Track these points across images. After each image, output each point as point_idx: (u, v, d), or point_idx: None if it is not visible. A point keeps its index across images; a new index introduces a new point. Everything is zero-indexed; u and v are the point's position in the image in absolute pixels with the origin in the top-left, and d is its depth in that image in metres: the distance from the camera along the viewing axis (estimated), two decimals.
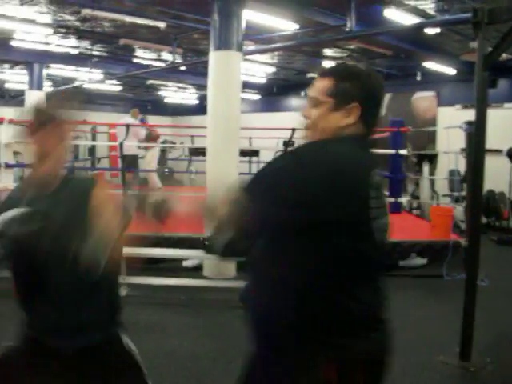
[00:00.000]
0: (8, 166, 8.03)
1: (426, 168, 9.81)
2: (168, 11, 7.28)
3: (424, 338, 4.56)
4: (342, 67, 1.62)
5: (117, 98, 18.36)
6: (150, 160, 10.97)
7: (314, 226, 1.42)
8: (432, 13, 7.07)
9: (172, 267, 6.34)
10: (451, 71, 10.94)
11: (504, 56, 9.15)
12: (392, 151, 8.07)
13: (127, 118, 10.16)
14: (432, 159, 10.09)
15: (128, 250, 5.36)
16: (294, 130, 8.75)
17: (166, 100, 17.75)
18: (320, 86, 1.58)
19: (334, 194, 1.42)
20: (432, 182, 10.18)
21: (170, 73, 11.95)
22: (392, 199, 8.26)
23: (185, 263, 6.41)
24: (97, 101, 18.08)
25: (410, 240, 6.78)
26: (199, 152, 13.71)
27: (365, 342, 1.50)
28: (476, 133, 3.98)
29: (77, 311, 1.71)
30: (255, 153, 13.21)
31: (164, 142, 13.24)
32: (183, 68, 11.41)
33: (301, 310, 1.47)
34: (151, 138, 10.57)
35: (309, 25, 7.25)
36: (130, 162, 9.84)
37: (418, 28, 6.73)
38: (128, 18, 7.34)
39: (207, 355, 4.03)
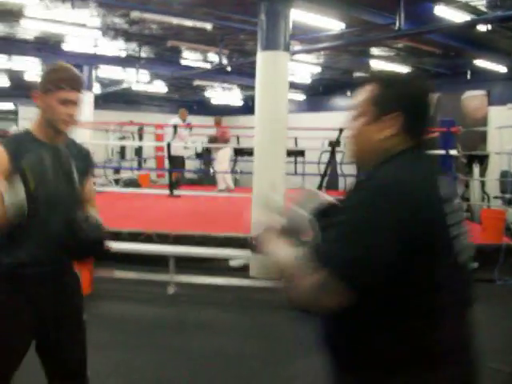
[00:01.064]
0: None
1: (476, 169, 9.58)
2: (215, 12, 7.33)
3: (476, 343, 4.43)
4: (385, 74, 1.57)
5: (163, 100, 18.63)
6: (220, 160, 11.09)
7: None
8: (483, 9, 6.89)
9: (218, 267, 6.38)
10: (502, 69, 10.64)
11: None
12: (442, 152, 7.90)
13: (176, 119, 10.28)
14: (483, 160, 9.84)
15: (175, 249, 5.51)
16: (340, 130, 8.64)
17: (211, 101, 17.88)
18: (363, 93, 1.48)
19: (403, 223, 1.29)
20: (482, 184, 9.91)
21: (216, 74, 12.02)
22: None
23: (231, 263, 6.43)
24: (144, 102, 18.41)
25: None
26: (244, 152, 13.80)
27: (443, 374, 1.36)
28: None
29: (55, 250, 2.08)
30: (301, 153, 13.18)
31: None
32: (229, 69, 11.45)
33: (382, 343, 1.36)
34: (220, 139, 10.62)
35: (355, 24, 7.17)
36: (176, 163, 10.02)
37: (470, 25, 6.55)
38: (175, 20, 7.43)
39: (255, 355, 4.03)
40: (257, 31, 7.90)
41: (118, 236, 6.21)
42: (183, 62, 11.65)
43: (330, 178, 13.91)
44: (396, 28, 6.12)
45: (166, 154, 9.34)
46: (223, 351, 4.08)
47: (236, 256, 6.25)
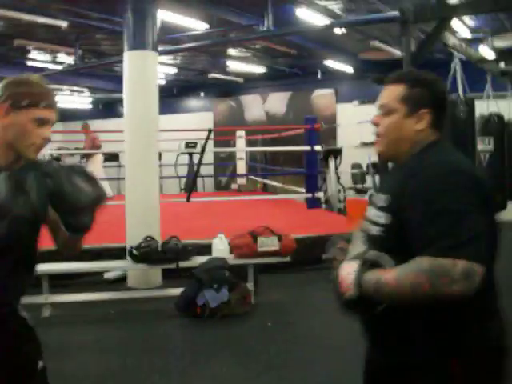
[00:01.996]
0: None
1: (331, 163, 10.09)
2: (71, 9, 6.90)
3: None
4: (414, 74, 1.69)
5: None
6: (93, 168, 10.58)
7: None
8: (339, 12, 7.26)
9: (93, 281, 5.99)
10: (349, 69, 11.35)
11: (399, 54, 9.64)
12: (307, 148, 8.22)
13: None
14: (337, 154, 10.40)
15: (48, 267, 5.05)
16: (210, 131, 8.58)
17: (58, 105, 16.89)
18: (392, 92, 1.61)
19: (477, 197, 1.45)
20: (338, 177, 10.49)
21: (67, 76, 11.36)
22: (310, 195, 8.43)
23: (106, 275, 6.09)
24: None
25: (330, 233, 6.89)
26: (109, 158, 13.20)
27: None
28: None
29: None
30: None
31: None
32: (83, 71, 10.89)
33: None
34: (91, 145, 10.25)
35: (219, 24, 7.17)
36: None
37: (328, 28, 6.87)
38: (27, 17, 6.86)
39: (158, 370, 3.83)
40: (116, 30, 7.63)
41: None
42: (30, 64, 10.85)
43: (187, 180, 13.87)
44: (265, 29, 6.21)
45: None
46: (122, 372, 3.83)
47: (113, 268, 5.94)
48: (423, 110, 1.58)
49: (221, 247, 5.37)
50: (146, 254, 5.09)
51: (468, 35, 6.75)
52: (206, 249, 5.49)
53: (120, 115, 15.54)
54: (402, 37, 3.89)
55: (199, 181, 12.35)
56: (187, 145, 14.05)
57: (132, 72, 5.85)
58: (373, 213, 1.60)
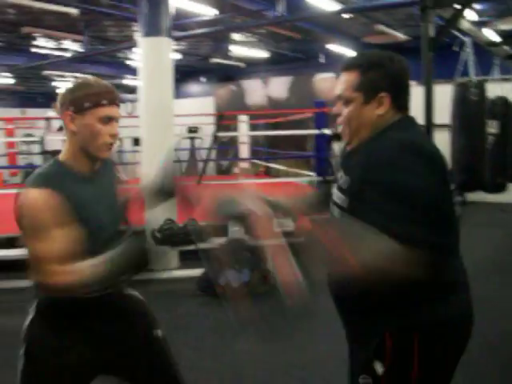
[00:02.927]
0: None
1: (336, 146, 10.20)
2: None
3: None
4: (364, 58, 1.64)
5: (5, 92, 17.18)
6: None
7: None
8: None
9: None
10: (352, 53, 11.41)
11: (403, 37, 9.74)
12: (316, 131, 8.32)
13: (50, 113, 9.82)
14: (340, 138, 10.50)
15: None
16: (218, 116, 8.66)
17: (59, 91, 16.83)
18: (347, 81, 1.59)
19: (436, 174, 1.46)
20: None
21: (71, 63, 11.39)
22: (320, 178, 8.54)
23: None
24: None
25: None
26: None
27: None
28: (426, 110, 4.23)
29: None
30: None
31: None
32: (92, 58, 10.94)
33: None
34: None
35: (228, 10, 7.24)
36: None
37: (338, 13, 6.95)
38: (38, 4, 6.91)
39: (190, 346, 3.98)
40: (125, 17, 7.71)
41: None
42: (34, 50, 10.86)
43: (189, 164, 13.97)
44: (277, 14, 6.29)
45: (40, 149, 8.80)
46: None
47: None
48: (381, 93, 1.56)
49: (236, 228, 5.48)
50: (169, 235, 5.22)
51: (475, 18, 6.85)
52: (220, 230, 5.62)
53: (121, 101, 15.67)
54: (422, 22, 3.99)
55: (200, 165, 12.45)
56: (189, 130, 14.15)
57: (147, 58, 5.92)
58: (336, 194, 1.61)
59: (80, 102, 1.74)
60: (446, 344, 1.50)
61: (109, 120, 1.76)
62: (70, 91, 1.79)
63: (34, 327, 1.82)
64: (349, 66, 1.62)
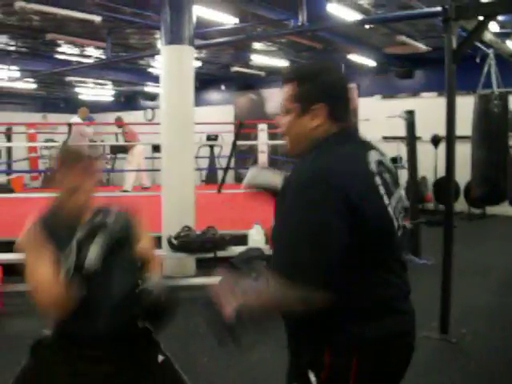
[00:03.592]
0: None
1: None
2: (106, 4, 7.04)
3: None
4: (302, 69, 1.70)
5: (27, 97, 17.41)
6: (130, 159, 10.81)
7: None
8: (369, 7, 7.34)
9: None
10: (371, 63, 11.40)
11: (425, 48, 9.70)
12: None
13: (75, 118, 9.99)
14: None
15: None
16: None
17: (80, 97, 17.06)
18: (286, 92, 1.62)
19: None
20: None
21: (92, 69, 11.54)
22: None
23: None
24: (2, 100, 17.06)
25: None
26: (121, 150, 13.42)
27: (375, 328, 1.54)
28: (447, 121, 4.19)
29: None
30: None
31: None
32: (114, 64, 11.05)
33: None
34: (131, 137, 10.49)
35: (249, 19, 7.27)
36: None
37: (360, 24, 6.94)
38: (63, 12, 7.01)
39: (205, 354, 3.98)
40: (147, 25, 7.79)
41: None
42: (58, 57, 11.03)
43: (208, 172, 14.03)
44: (299, 24, 6.30)
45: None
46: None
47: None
48: (316, 105, 1.56)
49: (257, 237, 5.48)
50: (185, 243, 5.25)
51: (497, 29, 6.81)
52: (240, 239, 5.62)
53: (141, 108, 15.65)
54: (445, 34, 3.96)
55: (219, 173, 12.50)
56: (208, 137, 14.23)
57: (169, 66, 5.98)
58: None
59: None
60: (377, 362, 1.53)
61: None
62: (57, 155, 2.14)
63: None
64: (287, 77, 1.64)
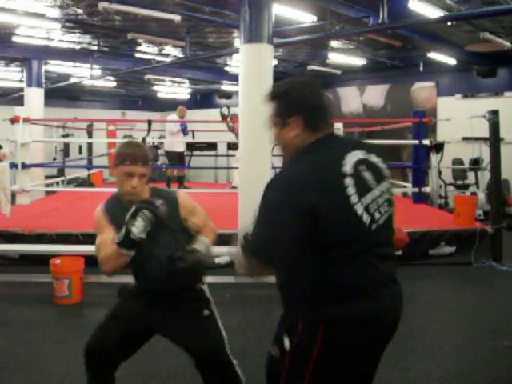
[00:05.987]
0: (25, 166, 7.86)
1: (433, 157, 9.88)
2: (185, 3, 7.16)
3: (478, 323, 4.63)
4: (276, 88, 1.95)
5: (107, 95, 18.05)
6: (238, 157, 11.03)
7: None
8: (451, 3, 7.08)
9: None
10: (452, 61, 11.03)
11: (510, 46, 9.26)
12: (415, 142, 8.11)
13: (173, 116, 10.31)
14: (439, 149, 10.17)
15: None
16: None
17: (157, 95, 17.50)
18: (271, 108, 1.92)
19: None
20: (439, 172, 10.26)
21: (170, 67, 11.79)
22: (416, 189, 8.32)
23: (218, 260, 6.33)
24: (85, 98, 17.77)
25: (439, 229, 6.83)
26: (197, 147, 13.65)
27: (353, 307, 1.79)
28: None
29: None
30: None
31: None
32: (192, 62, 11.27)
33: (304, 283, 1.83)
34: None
35: (326, 17, 7.18)
36: (171, 159, 10.46)
37: (443, 21, 6.71)
38: (144, 12, 7.20)
39: None
40: (225, 24, 7.86)
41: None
42: (138, 56, 11.34)
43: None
44: (379, 21, 6.18)
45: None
46: (236, 348, 4.02)
47: (223, 253, 6.16)
48: (292, 117, 1.84)
49: None
50: None
51: None
52: None
53: (216, 106, 15.88)
54: None
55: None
56: None
57: (248, 64, 6.00)
58: None
59: (116, 158, 2.49)
60: (340, 338, 1.78)
61: (129, 175, 2.44)
62: (117, 147, 2.60)
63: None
64: (270, 95, 1.94)
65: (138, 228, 2.33)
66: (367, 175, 1.82)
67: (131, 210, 2.36)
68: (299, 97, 1.85)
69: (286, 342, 1.83)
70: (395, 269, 1.96)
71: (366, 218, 1.77)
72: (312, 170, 1.76)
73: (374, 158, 1.89)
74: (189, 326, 2.59)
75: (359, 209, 1.75)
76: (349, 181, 1.75)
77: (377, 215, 1.81)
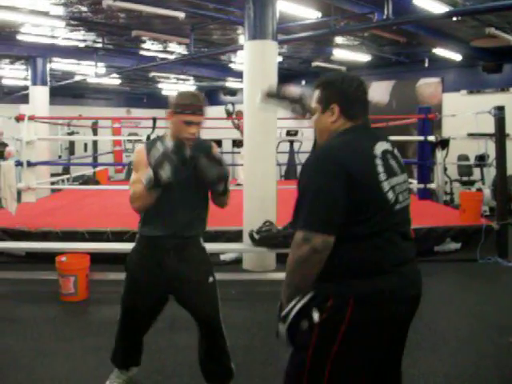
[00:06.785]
0: (30, 164, 7.89)
1: (439, 154, 9.85)
2: (189, 0, 7.15)
3: (483, 320, 4.62)
4: (323, 79, 2.12)
5: (112, 92, 18.06)
6: (243, 153, 10.96)
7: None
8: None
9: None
10: (457, 57, 10.98)
11: (511, 41, 9.21)
12: (421, 138, 8.08)
13: None
14: (445, 145, 10.13)
15: None
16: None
17: (162, 92, 17.50)
18: (314, 96, 2.11)
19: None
20: (445, 168, 10.23)
21: (175, 64, 11.80)
22: (422, 185, 8.29)
23: (223, 257, 6.34)
24: (90, 96, 17.78)
25: (444, 226, 6.81)
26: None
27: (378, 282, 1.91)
28: None
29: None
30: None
31: None
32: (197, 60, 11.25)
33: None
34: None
35: (331, 13, 7.16)
36: None
37: (448, 16, 6.68)
38: (148, 9, 7.19)
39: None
40: (230, 21, 7.85)
41: (102, 235, 6.05)
42: (142, 53, 11.35)
43: (288, 167, 14.00)
44: (384, 17, 6.15)
45: None
46: (240, 344, 4.02)
47: (230, 250, 6.18)
48: (332, 104, 2.02)
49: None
50: (267, 237, 5.26)
51: None
52: None
53: (221, 103, 15.88)
54: None
55: (299, 169, 12.45)
56: (288, 133, 14.19)
57: (252, 61, 6.00)
58: None
59: (175, 107, 2.69)
60: (368, 311, 1.89)
61: (189, 123, 2.68)
62: (174, 97, 2.74)
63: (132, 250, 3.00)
64: (315, 85, 2.12)
65: (165, 171, 2.53)
66: (393, 163, 2.01)
67: (163, 152, 2.56)
68: (340, 88, 2.04)
69: (316, 316, 1.91)
70: (414, 248, 2.10)
71: (391, 196, 1.94)
72: (346, 146, 1.95)
73: (396, 152, 2.09)
74: (196, 295, 2.87)
75: (386, 186, 1.93)
76: (379, 161, 1.94)
77: (400, 198, 1.99)
